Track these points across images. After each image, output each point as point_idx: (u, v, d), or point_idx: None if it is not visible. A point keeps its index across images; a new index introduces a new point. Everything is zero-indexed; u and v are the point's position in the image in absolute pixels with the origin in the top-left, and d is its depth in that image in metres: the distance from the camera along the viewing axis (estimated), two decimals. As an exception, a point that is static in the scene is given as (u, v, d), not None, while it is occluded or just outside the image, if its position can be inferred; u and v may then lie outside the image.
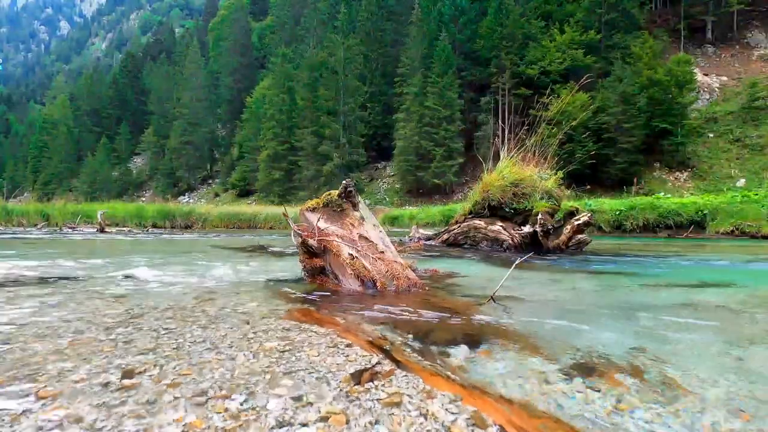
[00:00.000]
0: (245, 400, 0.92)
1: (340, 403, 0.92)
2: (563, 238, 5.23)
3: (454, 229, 6.02)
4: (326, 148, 35.41)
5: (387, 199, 33.50)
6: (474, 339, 1.44)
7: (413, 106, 32.63)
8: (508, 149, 5.71)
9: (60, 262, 3.78)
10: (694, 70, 28.81)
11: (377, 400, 0.94)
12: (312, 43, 46.88)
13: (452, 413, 0.89)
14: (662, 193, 18.19)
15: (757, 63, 31.51)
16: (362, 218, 2.63)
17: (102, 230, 10.91)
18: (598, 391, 1.03)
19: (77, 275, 2.89)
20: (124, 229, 13.22)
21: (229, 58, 54.70)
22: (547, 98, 6.25)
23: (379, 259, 2.43)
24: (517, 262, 2.32)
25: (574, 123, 6.26)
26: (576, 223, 5.32)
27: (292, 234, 2.65)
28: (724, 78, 31.26)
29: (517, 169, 5.54)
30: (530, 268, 3.68)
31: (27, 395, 0.93)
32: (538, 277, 3.23)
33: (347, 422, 0.84)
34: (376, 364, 1.17)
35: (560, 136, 5.98)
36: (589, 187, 24.48)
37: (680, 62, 26.76)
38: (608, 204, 13.81)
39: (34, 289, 2.30)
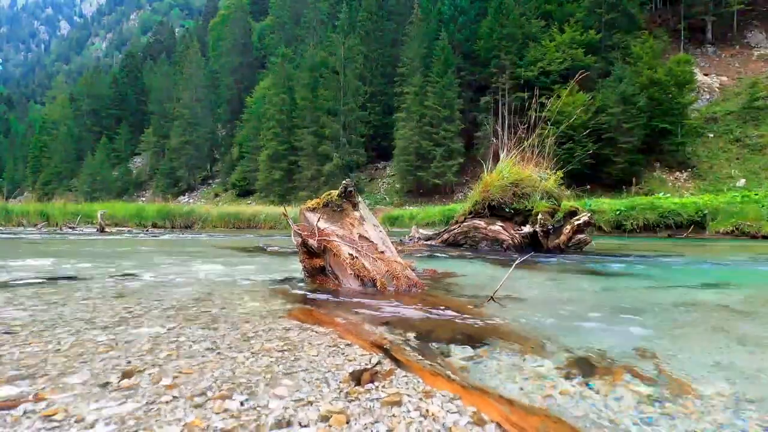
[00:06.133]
0: (245, 400, 0.92)
1: (340, 402, 0.92)
2: (563, 238, 5.23)
3: (454, 229, 6.02)
4: (326, 148, 35.42)
5: (387, 199, 33.50)
6: (474, 339, 1.44)
7: (413, 105, 32.63)
8: (507, 149, 5.71)
9: (60, 261, 3.78)
10: (694, 70, 28.82)
11: (377, 399, 0.94)
12: (312, 43, 46.88)
13: (452, 413, 0.89)
14: (662, 193, 18.18)
15: (757, 63, 31.52)
16: (362, 218, 2.63)
17: (102, 230, 10.91)
18: (598, 390, 1.03)
19: (77, 275, 2.89)
20: (124, 229, 13.23)
21: (229, 58, 54.67)
22: (546, 99, 6.27)
23: (379, 259, 2.43)
24: (517, 262, 2.32)
25: (571, 122, 6.27)
26: (576, 223, 5.32)
27: (292, 234, 2.65)
28: (724, 78, 31.27)
29: (517, 169, 5.54)
30: (530, 268, 3.68)
31: (27, 395, 0.93)
32: (538, 277, 3.23)
33: (347, 422, 0.84)
34: (376, 363, 1.17)
35: (557, 135, 5.99)
36: (589, 187, 24.46)
37: (680, 62, 26.77)
38: (608, 204, 13.80)
39: (33, 289, 2.30)
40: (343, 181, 2.71)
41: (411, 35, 37.35)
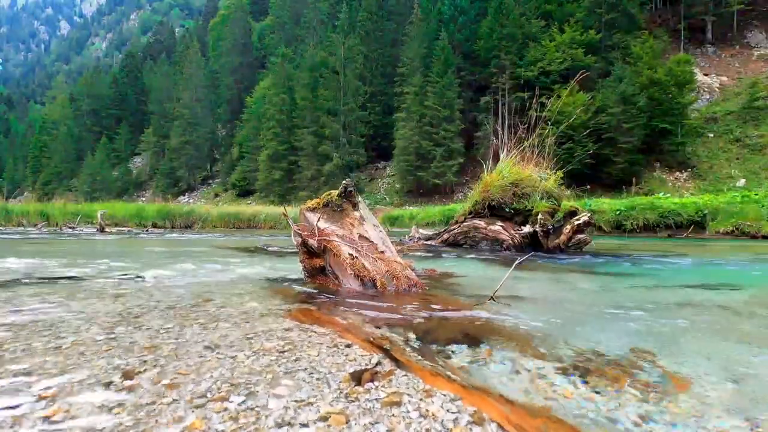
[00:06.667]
0: (245, 400, 0.92)
1: (340, 403, 0.92)
2: (563, 238, 5.23)
3: (454, 229, 6.02)
4: (326, 148, 35.42)
5: (387, 199, 33.50)
6: (474, 339, 1.44)
7: (413, 105, 32.63)
8: (507, 149, 5.72)
9: (60, 262, 3.78)
10: (694, 70, 28.81)
11: (377, 400, 0.94)
12: (312, 43, 46.88)
13: (452, 413, 0.89)
14: (662, 193, 18.18)
15: (757, 63, 31.52)
16: (362, 218, 2.63)
17: (102, 230, 10.91)
18: (598, 390, 1.03)
19: (77, 275, 2.89)
20: (124, 229, 13.23)
21: (229, 58, 54.67)
22: (547, 99, 6.28)
23: (379, 259, 2.42)
24: (517, 262, 2.32)
25: (570, 122, 6.27)
26: (576, 223, 5.32)
27: (292, 234, 2.65)
28: (724, 78, 31.27)
29: (517, 169, 5.54)
30: (530, 268, 3.68)
31: (28, 395, 0.93)
32: (538, 277, 3.23)
33: (347, 422, 0.84)
34: (377, 363, 1.17)
35: (557, 135, 5.99)
36: (589, 187, 24.46)
37: (680, 62, 26.76)
38: (608, 204, 13.80)
39: (34, 289, 2.30)
40: (343, 181, 2.70)
41: (411, 35, 37.35)
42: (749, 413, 0.93)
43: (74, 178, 52.30)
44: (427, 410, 0.90)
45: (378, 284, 2.31)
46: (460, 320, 1.71)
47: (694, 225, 11.84)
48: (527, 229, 5.27)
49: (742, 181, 23.53)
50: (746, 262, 4.74)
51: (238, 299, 2.08)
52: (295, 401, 0.92)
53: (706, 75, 31.62)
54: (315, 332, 1.48)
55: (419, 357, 1.24)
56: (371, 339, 1.41)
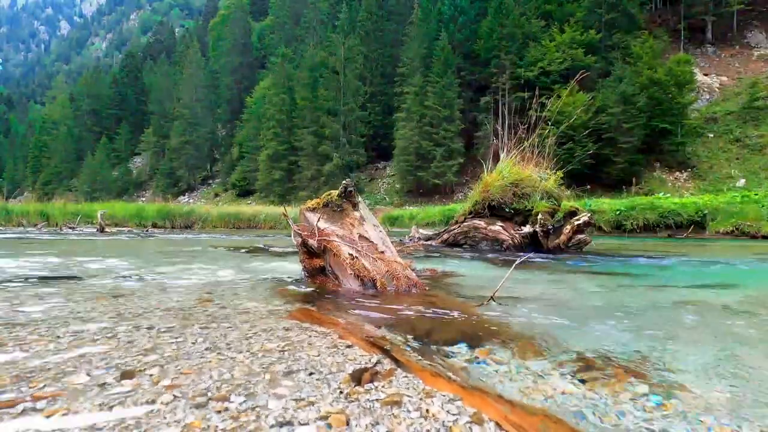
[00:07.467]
0: (245, 401, 0.92)
1: (340, 403, 0.92)
2: (563, 238, 5.23)
3: (454, 229, 6.02)
4: (326, 148, 35.43)
5: (387, 199, 33.49)
6: (474, 339, 1.44)
7: (413, 105, 32.62)
8: (507, 149, 5.72)
9: (60, 261, 3.78)
10: (694, 70, 28.79)
11: (377, 400, 0.94)
12: (312, 43, 46.88)
13: (452, 413, 0.89)
14: (662, 193, 18.18)
15: (757, 63, 31.50)
16: (362, 218, 2.63)
17: (102, 230, 10.91)
18: (597, 390, 1.03)
19: (77, 275, 2.89)
20: (124, 229, 13.23)
21: (229, 58, 54.67)
22: (547, 99, 6.27)
23: (379, 259, 2.42)
24: (517, 262, 2.32)
25: (571, 122, 6.27)
26: (576, 223, 5.32)
27: (293, 234, 2.65)
28: (724, 78, 31.25)
29: (517, 169, 5.54)
30: (530, 268, 3.68)
31: (27, 395, 0.93)
32: (538, 278, 3.23)
33: (347, 422, 0.84)
34: (377, 364, 1.17)
35: (557, 135, 5.99)
36: (589, 187, 24.43)
37: (680, 62, 26.74)
38: (608, 204, 13.80)
39: (33, 289, 2.30)
40: (343, 181, 2.71)
41: (411, 35, 37.35)
42: (748, 413, 0.93)
43: (74, 178, 52.28)
44: (427, 410, 0.90)
45: (378, 284, 2.31)
46: (460, 320, 1.71)
47: (694, 225, 11.84)
48: (527, 229, 5.27)
49: (742, 181, 23.53)
50: (746, 262, 4.74)
51: (238, 299, 2.08)
52: (295, 401, 0.92)
53: (706, 75, 31.61)
54: (315, 332, 1.48)
55: (419, 357, 1.24)
56: (371, 339, 1.41)
